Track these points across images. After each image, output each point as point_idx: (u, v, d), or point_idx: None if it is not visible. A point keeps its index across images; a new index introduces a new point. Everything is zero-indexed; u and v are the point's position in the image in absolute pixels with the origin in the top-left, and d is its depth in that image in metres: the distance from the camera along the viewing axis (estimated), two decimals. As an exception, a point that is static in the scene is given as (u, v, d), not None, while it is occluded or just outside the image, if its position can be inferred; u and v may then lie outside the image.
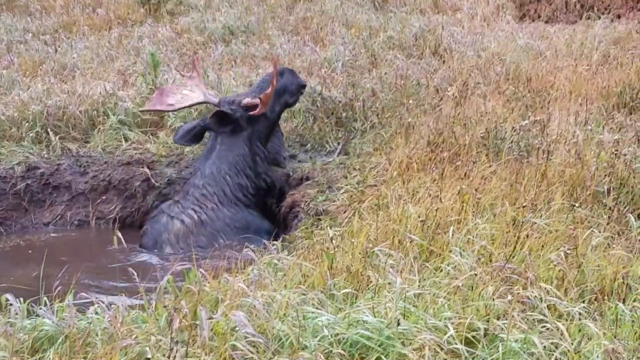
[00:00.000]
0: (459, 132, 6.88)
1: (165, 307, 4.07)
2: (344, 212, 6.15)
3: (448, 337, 3.56)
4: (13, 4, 13.22)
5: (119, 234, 4.51)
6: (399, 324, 3.50)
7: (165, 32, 11.28)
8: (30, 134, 8.37)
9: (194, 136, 7.55)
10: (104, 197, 8.04)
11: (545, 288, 4.05)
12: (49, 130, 8.42)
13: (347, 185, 6.83)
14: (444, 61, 9.82)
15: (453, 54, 9.96)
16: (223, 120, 7.38)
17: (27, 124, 8.41)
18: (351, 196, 6.47)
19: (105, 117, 8.56)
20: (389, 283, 4.03)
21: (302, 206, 6.91)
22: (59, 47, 10.83)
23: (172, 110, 7.88)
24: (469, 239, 4.73)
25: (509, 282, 4.16)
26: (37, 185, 8.09)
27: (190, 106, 7.78)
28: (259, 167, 7.52)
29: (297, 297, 3.98)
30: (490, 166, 6.11)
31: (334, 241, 4.57)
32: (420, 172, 6.26)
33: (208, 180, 7.31)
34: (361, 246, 4.61)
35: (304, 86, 7.95)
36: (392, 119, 7.93)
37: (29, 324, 3.99)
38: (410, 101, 8.15)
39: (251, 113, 7.40)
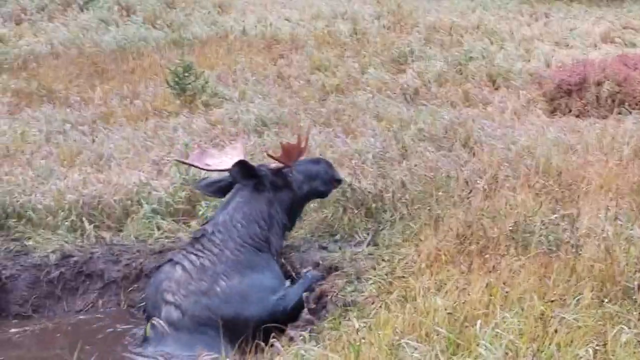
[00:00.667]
0: (487, 225, 6.93)
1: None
2: (372, 303, 6.16)
3: None
4: (53, 95, 13.54)
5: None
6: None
7: (200, 123, 11.50)
8: (66, 223, 8.50)
9: (220, 188, 7.69)
10: (135, 285, 8.11)
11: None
12: (83, 218, 8.55)
13: (375, 276, 6.85)
14: (474, 154, 9.91)
15: (483, 147, 10.04)
16: (246, 171, 7.49)
17: (62, 212, 8.56)
18: (379, 287, 6.50)
19: (139, 206, 8.70)
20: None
21: (330, 297, 6.94)
22: (96, 137, 11.06)
23: (208, 170, 7.96)
24: (496, 332, 4.74)
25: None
26: (70, 273, 8.19)
27: (225, 170, 7.73)
28: (274, 229, 7.52)
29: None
30: (519, 259, 6.14)
31: (359, 332, 4.59)
32: (449, 264, 6.30)
33: (219, 227, 7.30)
34: (388, 338, 4.64)
35: (338, 180, 8.05)
36: (422, 211, 7.97)
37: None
38: (440, 193, 8.23)
39: (274, 157, 7.64)
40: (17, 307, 8.09)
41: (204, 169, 8.01)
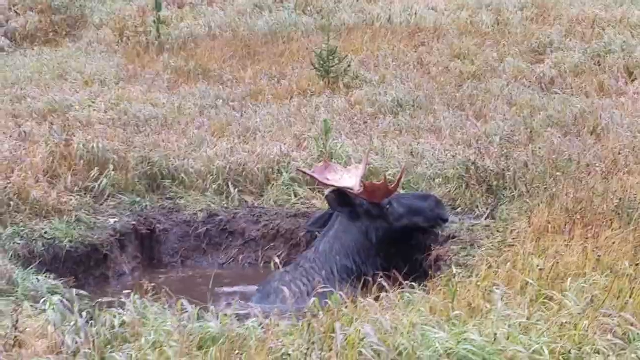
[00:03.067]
0: (597, 202, 7.42)
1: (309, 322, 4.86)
2: (483, 265, 6.78)
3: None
4: (209, 74, 14.62)
5: (277, 259, 5.39)
6: (495, 339, 4.15)
7: (340, 103, 12.28)
8: (214, 186, 9.49)
9: (325, 222, 8.11)
10: (272, 244, 8.98)
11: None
12: (229, 183, 9.50)
13: (488, 244, 7.47)
14: (599, 140, 10.29)
15: (609, 135, 10.41)
16: (341, 199, 7.87)
17: (211, 177, 9.55)
18: (489, 253, 7.11)
19: (279, 175, 9.57)
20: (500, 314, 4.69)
21: (445, 259, 7.60)
22: (244, 112, 11.99)
23: (326, 184, 8.19)
24: (583, 287, 5.30)
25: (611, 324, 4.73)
26: (215, 230, 9.17)
27: (339, 188, 8.02)
28: (370, 260, 7.78)
29: (419, 319, 4.70)
30: (622, 232, 6.63)
31: (457, 278, 5.26)
32: (555, 234, 6.85)
33: (319, 256, 7.77)
34: (483, 285, 5.28)
35: (444, 220, 8.18)
36: (539, 190, 8.50)
37: (198, 326, 4.88)
38: (559, 174, 8.72)
39: (344, 191, 7.84)
40: (168, 257, 9.16)
41: (323, 182, 8.30)
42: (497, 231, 7.86)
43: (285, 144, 10.23)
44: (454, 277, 5.17)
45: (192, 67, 14.86)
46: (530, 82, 13.60)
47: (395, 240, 8.03)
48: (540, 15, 18.12)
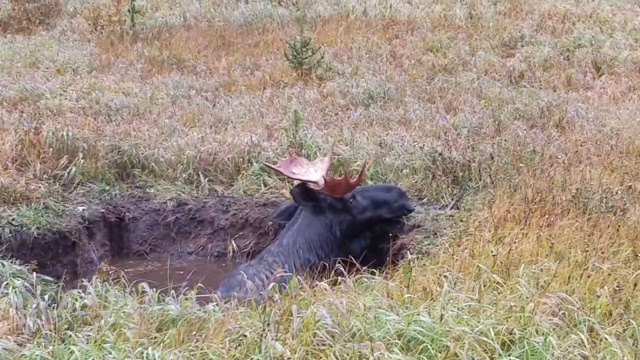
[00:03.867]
0: (556, 193, 7.59)
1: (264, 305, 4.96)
2: (443, 253, 6.93)
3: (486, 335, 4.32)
4: (183, 64, 14.70)
5: (234, 244, 5.51)
6: (442, 320, 4.29)
7: (312, 94, 12.40)
8: (184, 175, 9.58)
9: (290, 214, 8.16)
10: (241, 233, 9.07)
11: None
12: (199, 172, 9.60)
13: (451, 233, 7.62)
14: (564, 133, 10.47)
15: (574, 127, 10.60)
16: (305, 194, 7.97)
17: (181, 166, 9.63)
18: (450, 241, 7.25)
19: (249, 164, 9.67)
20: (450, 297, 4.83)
21: (409, 247, 7.74)
22: (217, 102, 12.09)
23: (292, 178, 8.34)
24: (533, 272, 5.45)
25: (558, 306, 4.88)
26: (185, 219, 9.25)
27: (304, 181, 8.14)
28: (334, 253, 7.68)
29: (373, 302, 4.83)
30: (576, 222, 6.79)
31: (413, 265, 5.40)
32: (514, 223, 7.00)
33: (283, 249, 7.78)
34: (439, 271, 5.43)
35: (409, 210, 8.29)
36: (503, 180, 8.65)
37: (158, 308, 4.99)
38: (522, 165, 8.88)
39: (308, 186, 7.93)
40: (137, 245, 9.24)
41: (288, 176, 8.47)
42: (460, 221, 8.01)
43: (256, 134, 10.33)
44: (410, 263, 5.29)
45: (165, 56, 14.96)
46: (500, 75, 13.80)
47: (359, 232, 8.13)
48: (513, 9, 18.34)
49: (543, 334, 4.32)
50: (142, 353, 4.30)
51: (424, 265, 6.22)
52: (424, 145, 9.72)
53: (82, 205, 8.92)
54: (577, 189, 7.37)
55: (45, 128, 9.79)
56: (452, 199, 8.86)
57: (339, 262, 5.66)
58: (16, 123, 10.11)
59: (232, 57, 14.99)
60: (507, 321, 4.54)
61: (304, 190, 8.01)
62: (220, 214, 9.24)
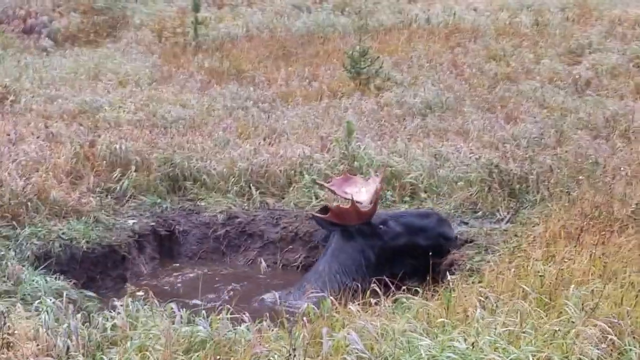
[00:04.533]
0: (615, 208, 7.27)
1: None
2: (491, 270, 6.67)
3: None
4: (242, 75, 14.68)
5: (264, 262, 5.37)
6: (473, 346, 4.07)
7: (369, 105, 12.23)
8: (235, 188, 9.46)
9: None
10: (290, 247, 8.93)
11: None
12: (251, 185, 9.48)
13: (502, 249, 7.36)
14: (629, 143, 10.10)
15: None
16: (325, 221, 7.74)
17: (233, 178, 9.52)
18: (502, 258, 6.99)
19: (301, 177, 9.52)
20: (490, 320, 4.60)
21: (459, 264, 7.51)
22: (272, 114, 11.99)
23: (343, 197, 8.02)
24: (583, 294, 5.19)
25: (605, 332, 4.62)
26: (235, 232, 9.14)
27: (358, 202, 7.77)
28: (369, 276, 6.94)
29: (407, 325, 4.63)
30: (634, 239, 6.48)
31: (454, 286, 5.18)
32: (567, 239, 6.72)
33: (320, 276, 7.53)
34: (480, 292, 5.20)
35: (447, 238, 7.81)
36: (562, 194, 8.36)
37: (187, 329, 4.85)
38: (581, 177, 8.58)
39: (320, 217, 7.69)
40: (187, 259, 9.13)
41: (340, 196, 8.17)
42: (515, 236, 7.74)
43: (309, 146, 10.18)
44: (450, 284, 5.07)
45: (225, 67, 14.96)
46: (565, 84, 13.45)
47: (397, 257, 7.70)
48: (582, 15, 17.90)
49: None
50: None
51: (471, 283, 5.99)
52: (480, 156, 9.45)
53: (133, 219, 8.87)
54: (637, 204, 7.04)
55: (99, 141, 9.78)
56: (508, 213, 8.59)
57: (374, 283, 5.46)
58: (73, 136, 10.14)
59: (291, 67, 14.90)
60: (547, 348, 4.29)
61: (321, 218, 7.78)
62: (270, 227, 9.11)
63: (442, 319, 4.63)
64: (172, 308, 4.98)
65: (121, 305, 5.15)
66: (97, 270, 8.24)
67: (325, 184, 8.48)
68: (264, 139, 10.76)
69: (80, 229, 8.28)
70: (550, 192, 8.60)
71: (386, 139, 10.55)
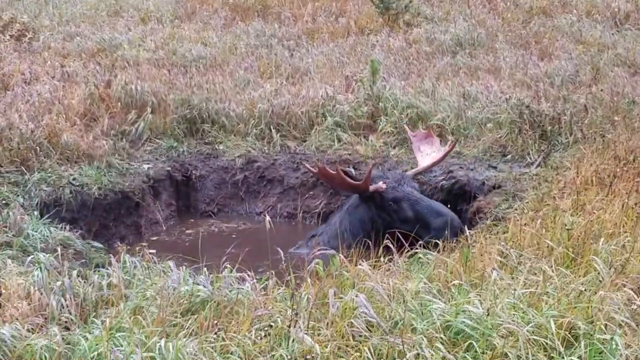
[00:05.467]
0: (650, 150, 6.84)
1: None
2: (519, 220, 6.28)
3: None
4: (268, 11, 14.19)
5: (268, 217, 5.02)
6: (488, 314, 3.72)
7: (397, 42, 11.75)
8: (255, 131, 9.11)
9: None
10: (311, 193, 8.60)
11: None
12: (271, 127, 9.12)
13: (532, 195, 6.96)
14: (669, 80, 9.60)
15: (680, 74, 9.71)
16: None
17: (253, 120, 9.17)
18: (530, 206, 6.60)
19: (323, 119, 9.15)
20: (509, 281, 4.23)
21: (485, 212, 7.13)
22: (296, 52, 11.56)
23: (417, 154, 7.75)
24: (613, 249, 4.80)
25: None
26: (253, 177, 8.82)
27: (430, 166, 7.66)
28: (371, 239, 6.30)
29: (420, 286, 4.28)
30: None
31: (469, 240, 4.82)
32: (599, 186, 6.31)
33: (329, 229, 7.30)
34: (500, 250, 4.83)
35: (455, 228, 6.73)
36: (597, 135, 7.92)
37: (186, 289, 4.53)
38: (617, 118, 8.12)
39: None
40: (204, 205, 8.84)
41: (413, 149, 7.85)
42: (545, 181, 7.34)
43: (332, 86, 9.78)
44: (467, 240, 4.68)
45: (250, 3, 14.44)
46: (603, 17, 12.85)
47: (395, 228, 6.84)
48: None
49: (610, 329, 3.69)
50: (156, 344, 3.87)
51: (494, 235, 5.63)
52: (510, 96, 8.99)
53: (148, 163, 8.57)
54: (672, 148, 6.60)
55: (115, 81, 9.45)
56: (539, 156, 8.18)
57: (387, 238, 5.10)
58: (89, 76, 9.81)
59: (318, 2, 14.35)
60: (571, 312, 3.92)
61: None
62: (290, 172, 8.77)
63: (458, 281, 4.26)
64: (170, 266, 4.66)
65: (117, 262, 4.84)
66: (109, 218, 7.99)
67: (409, 132, 8.03)
68: (287, 79, 10.37)
69: (92, 175, 8.00)
70: (583, 133, 8.17)
71: (413, 78, 10.11)
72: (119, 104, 9.12)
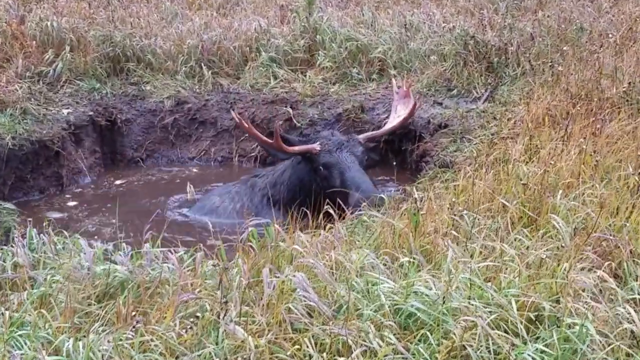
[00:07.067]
0: (605, 85, 6.42)
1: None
2: (469, 165, 5.85)
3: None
4: None
5: (191, 187, 4.51)
6: (444, 301, 3.28)
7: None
8: (184, 68, 8.52)
9: None
10: (247, 135, 8.03)
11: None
12: (202, 64, 8.53)
13: (480, 136, 6.54)
14: (617, 3, 9.17)
15: (630, -2, 9.28)
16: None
17: (182, 57, 8.56)
18: (479, 149, 6.17)
19: (258, 54, 8.59)
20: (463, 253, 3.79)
21: (432, 155, 6.69)
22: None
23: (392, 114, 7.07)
24: (572, 205, 4.38)
25: (604, 256, 3.84)
26: (184, 119, 8.25)
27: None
28: (308, 199, 6.17)
29: (366, 260, 3.82)
30: (629, 124, 5.65)
31: (421, 202, 4.36)
32: (552, 128, 5.89)
33: (269, 181, 6.79)
34: (452, 208, 4.39)
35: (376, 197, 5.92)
36: (545, 67, 7.49)
37: (102, 269, 4.00)
38: (566, 47, 7.70)
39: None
40: (131, 151, 8.26)
41: (392, 111, 7.12)
42: (494, 118, 6.92)
43: (266, 18, 9.18)
44: (416, 202, 4.21)
45: None
46: None
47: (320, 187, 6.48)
48: None
49: (577, 311, 3.27)
50: (64, 344, 3.36)
51: (444, 183, 5.19)
52: (454, 26, 8.50)
53: (68, 108, 7.92)
54: (629, 82, 6.17)
55: (30, 17, 8.72)
56: (486, 90, 7.74)
57: (328, 203, 4.60)
58: (0, 11, 9.07)
59: None
60: (534, 288, 3.49)
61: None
62: (223, 114, 8.20)
63: (408, 258, 3.80)
64: (81, 245, 4.11)
65: (24, 238, 4.28)
66: (26, 170, 7.35)
67: (396, 89, 7.12)
68: (217, 10, 9.75)
69: (5, 123, 7.35)
70: (531, 65, 7.73)
71: (352, 7, 9.55)
72: (34, 42, 8.43)
